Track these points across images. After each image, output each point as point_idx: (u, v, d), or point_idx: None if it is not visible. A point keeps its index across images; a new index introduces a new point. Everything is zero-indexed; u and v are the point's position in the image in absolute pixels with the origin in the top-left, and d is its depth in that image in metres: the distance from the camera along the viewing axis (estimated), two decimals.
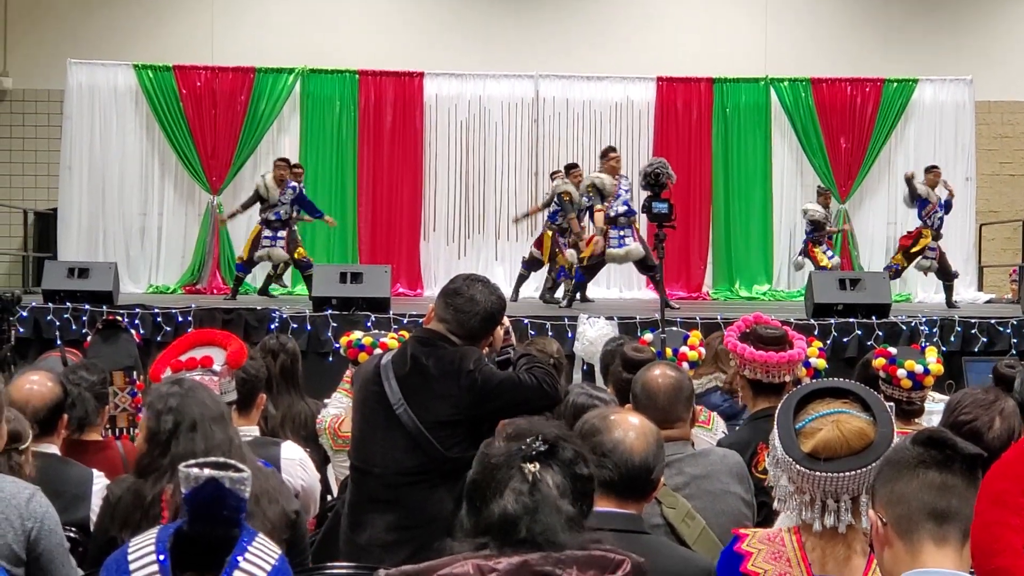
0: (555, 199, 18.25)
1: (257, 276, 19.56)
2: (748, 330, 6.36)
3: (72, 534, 5.03)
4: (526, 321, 14.37)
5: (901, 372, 6.83)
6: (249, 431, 5.93)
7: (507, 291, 18.92)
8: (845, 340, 14.53)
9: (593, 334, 13.44)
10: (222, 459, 2.71)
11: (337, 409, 7.51)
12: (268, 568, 2.72)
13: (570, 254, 18.19)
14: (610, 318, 14.27)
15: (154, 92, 21.46)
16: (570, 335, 14.01)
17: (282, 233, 17.91)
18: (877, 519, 3.07)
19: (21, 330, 14.42)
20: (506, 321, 5.83)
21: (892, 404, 5.23)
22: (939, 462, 3.03)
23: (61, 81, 21.44)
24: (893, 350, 7.10)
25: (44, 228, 22.12)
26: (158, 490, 4.36)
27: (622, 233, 17.24)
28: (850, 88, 22.32)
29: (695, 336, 8.77)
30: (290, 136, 21.93)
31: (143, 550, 2.73)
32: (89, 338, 11.15)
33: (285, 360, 7.79)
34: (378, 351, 6.54)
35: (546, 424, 3.29)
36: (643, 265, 17.42)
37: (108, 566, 2.76)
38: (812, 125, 22.15)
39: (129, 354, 9.84)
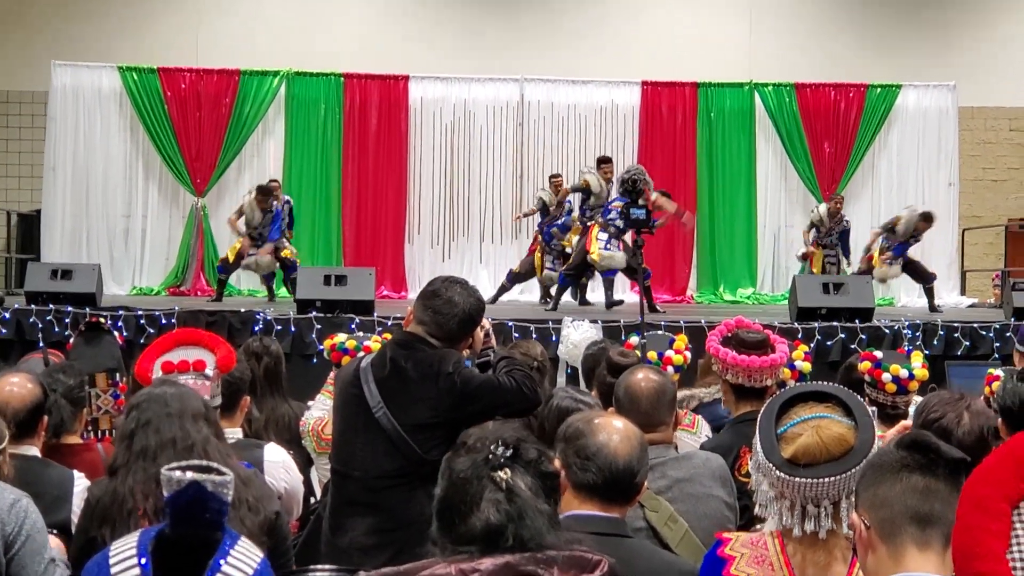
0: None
1: (242, 279, 19.56)
2: (730, 334, 6.35)
3: (54, 535, 5.02)
4: (510, 324, 14.35)
5: (886, 376, 6.84)
6: (232, 433, 5.92)
7: (490, 294, 19.03)
8: (829, 344, 14.54)
9: (577, 337, 13.44)
10: (204, 462, 2.70)
11: (320, 411, 7.50)
12: (250, 571, 2.72)
13: (547, 276, 18.47)
14: (594, 321, 14.27)
15: (138, 94, 21.42)
16: (554, 338, 14.00)
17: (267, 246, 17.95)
18: (860, 522, 3.06)
19: (3, 332, 14.40)
20: (486, 323, 5.83)
21: (875, 408, 5.25)
22: (922, 466, 3.03)
23: (45, 82, 21.40)
24: (879, 354, 7.11)
25: (27, 229, 22.07)
26: (128, 487, 4.35)
27: (610, 240, 17.30)
28: (834, 93, 22.35)
29: (680, 340, 8.77)
30: (275, 139, 21.90)
31: (124, 553, 2.72)
32: (72, 340, 11.13)
33: (269, 362, 7.78)
34: (361, 354, 6.53)
35: (501, 428, 3.29)
36: (629, 269, 17.47)
37: (89, 569, 2.75)
38: (796, 130, 22.17)
39: (112, 356, 9.81)
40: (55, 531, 5.09)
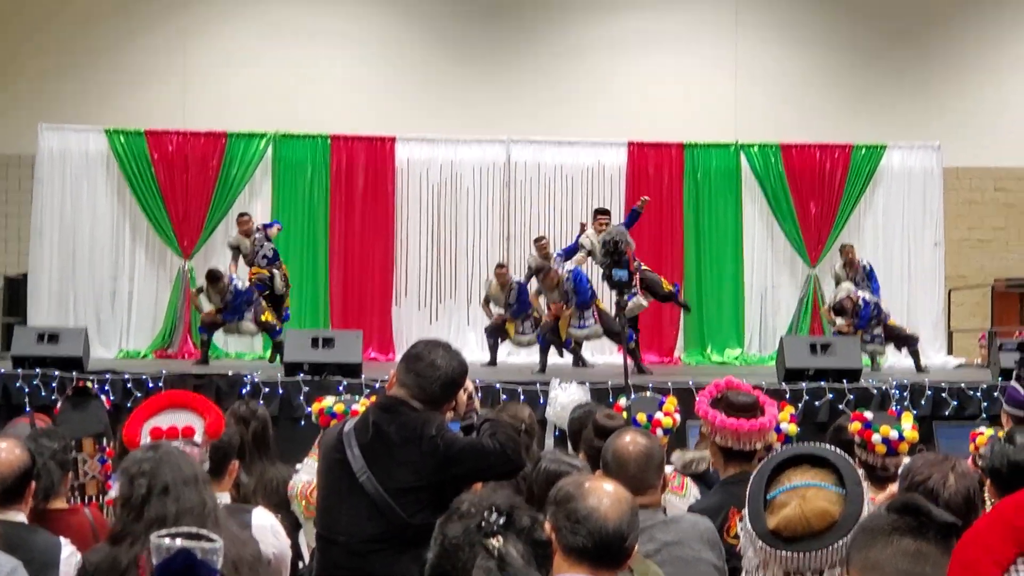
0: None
1: (229, 341, 19.54)
2: (720, 395, 6.35)
3: None
4: (498, 386, 14.36)
5: (876, 438, 6.84)
6: (220, 498, 5.89)
7: (481, 356, 19.06)
8: (817, 404, 14.55)
9: (565, 399, 13.42)
10: (194, 529, 2.70)
11: (308, 475, 7.48)
12: None
13: (517, 340, 18.58)
14: (582, 383, 14.26)
15: (126, 157, 21.44)
16: (542, 401, 13.99)
17: (248, 314, 17.99)
18: None
19: None
20: (469, 385, 5.82)
21: (863, 471, 5.25)
22: (913, 529, 3.02)
23: (33, 145, 21.41)
24: (869, 415, 7.11)
25: (14, 293, 22.02)
26: (133, 555, 4.32)
27: (583, 314, 17.41)
28: (819, 153, 22.42)
29: (671, 402, 8.77)
30: (262, 200, 21.90)
31: None
32: (59, 404, 11.10)
33: (256, 427, 7.75)
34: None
35: (495, 494, 3.28)
36: (611, 334, 17.53)
37: None
38: (782, 190, 22.22)
39: (99, 420, 9.76)
40: None
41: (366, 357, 17.96)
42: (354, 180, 21.97)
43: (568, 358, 18.72)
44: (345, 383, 14.34)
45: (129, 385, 14.55)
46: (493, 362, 19.06)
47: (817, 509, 3.56)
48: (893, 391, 14.83)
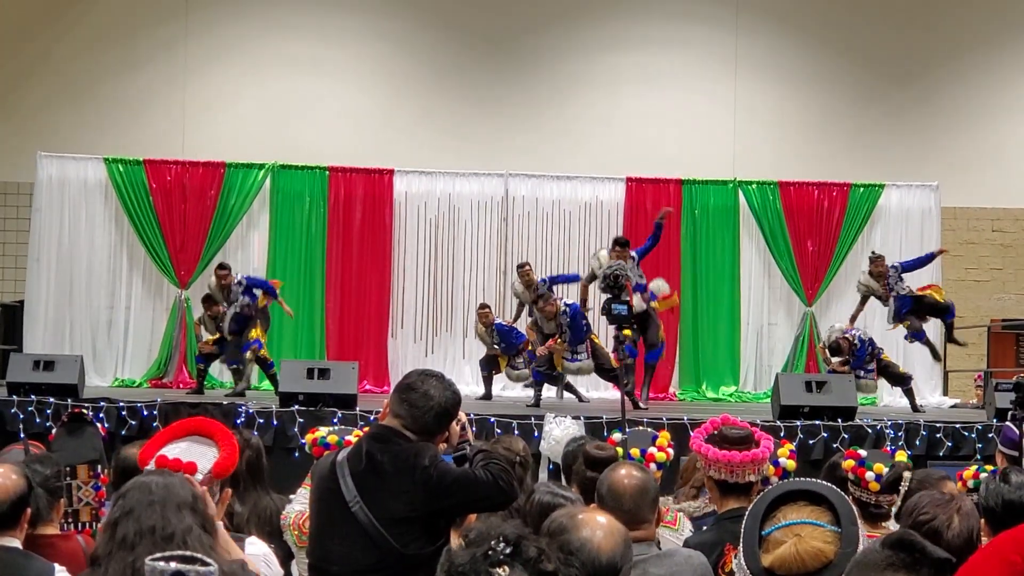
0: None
1: (225, 372, 19.48)
2: (715, 432, 6.34)
3: None
4: (492, 420, 14.36)
5: (870, 475, 6.84)
6: None
7: (476, 389, 19.06)
8: (811, 442, 14.54)
9: (559, 433, 13.41)
10: (188, 553, 2.69)
11: (302, 505, 7.46)
12: None
13: (512, 375, 18.60)
14: (576, 417, 14.26)
15: (124, 186, 21.43)
16: (536, 434, 13.98)
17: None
18: None
19: None
20: (463, 416, 5.82)
21: (858, 506, 5.25)
22: (907, 565, 3.02)
23: (31, 174, 21.42)
24: (863, 452, 7.12)
25: (10, 320, 21.99)
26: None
27: (576, 349, 17.40)
28: (817, 192, 22.43)
29: (664, 437, 8.77)
30: (259, 231, 21.91)
31: None
32: (54, 431, 11.11)
33: (251, 456, 7.74)
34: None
35: (504, 524, 3.28)
36: (603, 371, 17.54)
37: None
38: (780, 228, 22.22)
39: (94, 448, 9.80)
40: None
41: (361, 389, 17.97)
42: (352, 212, 21.96)
43: (564, 397, 18.70)
44: (340, 414, 14.34)
45: (124, 413, 14.55)
46: (488, 396, 19.08)
47: (812, 549, 3.56)
48: (888, 430, 14.83)
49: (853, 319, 18.96)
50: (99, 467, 7.22)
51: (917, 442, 14.86)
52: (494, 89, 23.45)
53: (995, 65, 24.03)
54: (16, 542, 5.48)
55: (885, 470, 6.86)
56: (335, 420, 13.88)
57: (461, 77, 23.42)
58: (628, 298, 13.73)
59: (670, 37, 23.69)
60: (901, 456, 7.16)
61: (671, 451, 8.62)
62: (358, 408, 14.76)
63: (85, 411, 12.81)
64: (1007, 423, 10.64)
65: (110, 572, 4.31)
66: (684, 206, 22.33)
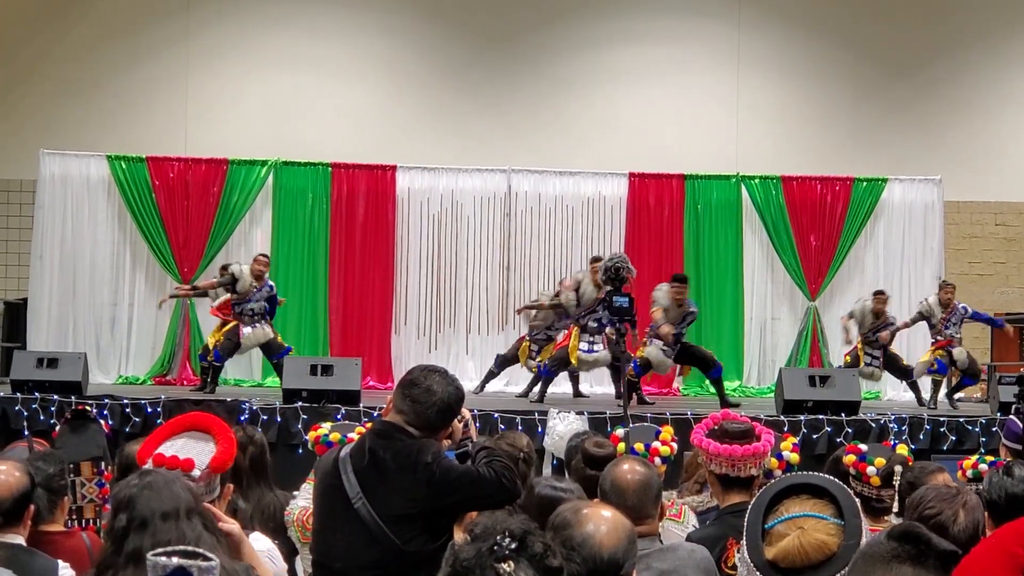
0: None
1: (228, 367, 19.44)
2: (716, 427, 6.34)
3: None
4: (496, 415, 14.37)
5: (871, 469, 6.84)
6: None
7: (475, 386, 19.07)
8: (815, 437, 14.56)
9: (563, 429, 13.43)
10: (190, 548, 2.69)
11: (305, 501, 7.47)
12: None
13: (530, 365, 18.45)
14: (580, 413, 14.28)
15: (127, 183, 21.41)
16: (540, 430, 14.00)
17: (260, 324, 17.84)
18: None
19: None
20: (465, 413, 5.81)
21: (859, 500, 5.24)
22: (913, 557, 3.02)
23: (34, 171, 21.40)
24: (864, 447, 7.12)
25: (14, 318, 21.99)
26: None
27: (592, 339, 17.39)
28: (820, 186, 22.41)
29: (667, 431, 8.76)
30: (262, 228, 21.89)
31: None
32: (57, 428, 11.13)
33: (254, 452, 7.75)
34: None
35: (510, 519, 3.27)
36: (612, 368, 17.57)
37: None
38: (783, 222, 22.19)
39: (97, 444, 9.80)
40: None
41: (365, 385, 17.97)
42: (355, 208, 21.94)
43: (567, 387, 18.72)
44: (343, 411, 14.36)
45: (127, 410, 14.60)
46: (480, 389, 19.08)
47: (815, 541, 3.56)
48: (891, 424, 14.85)
49: (895, 332, 18.87)
50: (103, 464, 7.24)
51: (921, 436, 14.89)
52: (496, 85, 23.44)
53: (998, 59, 24.01)
54: (20, 539, 5.48)
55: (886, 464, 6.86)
56: (338, 416, 13.91)
57: (463, 73, 23.40)
58: (629, 290, 13.75)
59: (672, 32, 23.67)
60: (902, 450, 7.15)
61: (675, 445, 8.62)
62: (361, 404, 14.80)
63: (89, 408, 12.81)
64: (1011, 417, 10.67)
65: None
66: (687, 201, 22.31)
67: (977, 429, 15.11)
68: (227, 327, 17.89)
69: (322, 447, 7.92)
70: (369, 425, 8.18)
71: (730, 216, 22.36)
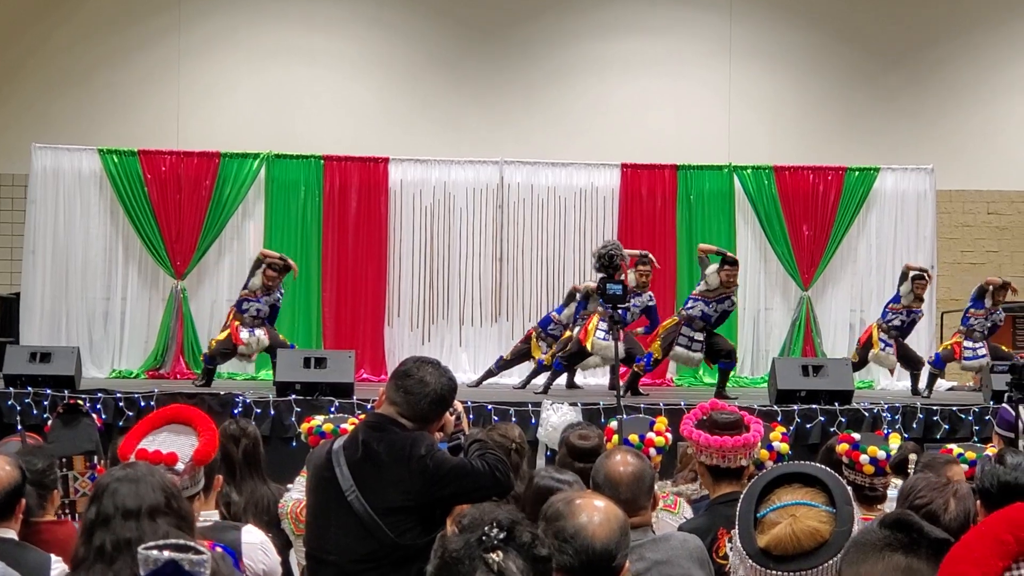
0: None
1: (227, 365, 19.43)
2: (705, 417, 6.35)
3: None
4: (489, 407, 14.36)
5: (864, 458, 6.86)
6: (209, 516, 5.88)
7: (472, 377, 19.08)
8: (808, 426, 14.56)
9: (556, 420, 13.44)
10: (182, 541, 2.69)
11: (299, 494, 7.47)
12: None
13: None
14: (574, 404, 14.27)
15: (119, 176, 21.37)
16: (533, 421, 14.00)
17: (259, 331, 17.78)
18: None
19: None
20: (458, 406, 5.82)
21: (852, 489, 5.25)
22: (905, 545, 3.03)
23: (25, 165, 21.37)
24: (856, 436, 7.13)
25: (6, 312, 21.98)
26: None
27: (608, 332, 17.39)
28: (812, 176, 22.40)
29: (661, 422, 8.77)
30: (255, 221, 21.86)
31: None
32: (50, 422, 11.10)
33: (247, 445, 7.76)
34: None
35: (498, 509, 3.27)
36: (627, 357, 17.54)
37: None
38: (775, 212, 22.19)
39: (90, 439, 9.77)
40: None
41: (358, 377, 17.95)
42: (347, 200, 21.92)
43: (561, 378, 18.73)
44: (337, 403, 14.35)
45: (121, 404, 14.57)
46: (478, 383, 19.09)
47: (807, 528, 3.57)
48: (884, 414, 14.87)
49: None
50: (95, 458, 7.24)
51: (914, 425, 14.90)
52: (488, 76, 23.43)
53: (990, 48, 24.02)
54: (12, 533, 5.48)
55: (879, 453, 6.87)
56: (332, 409, 13.90)
57: (455, 65, 23.40)
58: (623, 277, 13.74)
59: (664, 22, 23.66)
60: (895, 439, 7.17)
61: (669, 436, 8.62)
62: (355, 397, 14.79)
63: (81, 402, 12.77)
64: (1004, 405, 10.68)
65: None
66: (679, 191, 22.30)
67: (970, 418, 15.12)
68: (223, 334, 17.86)
69: (315, 437, 7.91)
70: (362, 417, 8.19)
71: (723, 206, 22.35)
